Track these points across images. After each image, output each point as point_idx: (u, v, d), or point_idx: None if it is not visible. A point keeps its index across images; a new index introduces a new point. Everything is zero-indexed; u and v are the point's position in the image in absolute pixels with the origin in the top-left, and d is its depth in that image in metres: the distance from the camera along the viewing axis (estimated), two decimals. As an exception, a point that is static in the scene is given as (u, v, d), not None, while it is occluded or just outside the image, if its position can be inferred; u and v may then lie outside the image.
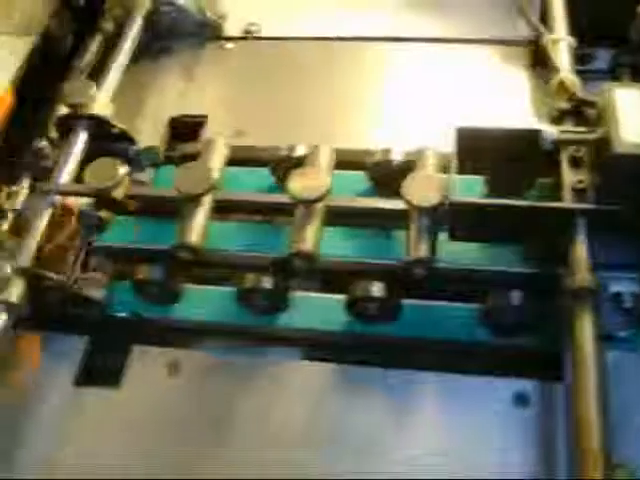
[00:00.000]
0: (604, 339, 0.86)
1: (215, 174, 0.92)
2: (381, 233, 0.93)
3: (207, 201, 0.91)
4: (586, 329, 0.77)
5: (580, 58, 1.07)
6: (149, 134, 1.09)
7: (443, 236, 0.88)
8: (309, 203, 0.87)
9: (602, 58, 1.08)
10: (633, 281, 0.87)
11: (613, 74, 1.07)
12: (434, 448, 0.84)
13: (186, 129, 1.10)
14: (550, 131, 0.84)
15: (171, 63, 1.18)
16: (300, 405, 0.88)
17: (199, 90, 1.15)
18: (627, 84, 0.84)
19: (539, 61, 1.07)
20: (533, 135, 0.85)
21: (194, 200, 0.90)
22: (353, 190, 0.97)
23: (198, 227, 0.90)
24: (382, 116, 1.08)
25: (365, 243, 0.92)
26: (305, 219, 0.88)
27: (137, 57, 1.15)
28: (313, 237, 0.87)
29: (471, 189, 0.89)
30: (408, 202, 0.86)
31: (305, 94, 1.12)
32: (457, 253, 0.89)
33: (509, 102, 1.05)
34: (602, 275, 0.85)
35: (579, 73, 1.05)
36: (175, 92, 1.15)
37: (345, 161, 0.98)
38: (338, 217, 0.92)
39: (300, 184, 0.88)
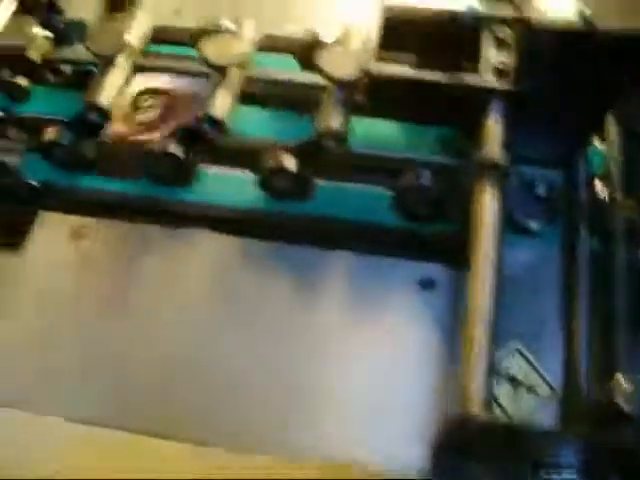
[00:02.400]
0: (517, 231, 0.86)
1: (129, 36, 0.89)
2: (297, 115, 0.90)
3: (122, 64, 0.89)
4: (487, 206, 0.75)
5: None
6: (80, 6, 1.05)
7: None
8: (223, 68, 0.85)
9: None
10: (549, 172, 0.86)
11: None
12: (338, 326, 0.82)
13: (121, 5, 1.06)
14: (473, 8, 0.82)
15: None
16: (205, 275, 0.86)
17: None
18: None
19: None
20: (456, 13, 0.83)
21: (108, 63, 0.88)
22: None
23: (110, 89, 0.87)
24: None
25: (280, 123, 0.90)
26: (218, 86, 0.85)
27: None
28: (225, 104, 0.85)
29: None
30: (324, 73, 0.83)
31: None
32: (369, 135, 0.88)
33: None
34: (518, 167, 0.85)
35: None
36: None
37: (271, 45, 0.95)
38: (255, 94, 0.90)
39: (215, 49, 0.86)
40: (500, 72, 0.81)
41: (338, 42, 0.88)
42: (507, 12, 0.82)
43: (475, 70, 0.84)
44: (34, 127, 0.95)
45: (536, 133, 0.84)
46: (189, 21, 1.02)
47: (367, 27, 0.89)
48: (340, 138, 0.82)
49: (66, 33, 1.01)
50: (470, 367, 0.67)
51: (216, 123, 0.83)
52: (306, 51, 0.91)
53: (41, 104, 0.97)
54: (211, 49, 0.85)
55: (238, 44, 0.86)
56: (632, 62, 0.75)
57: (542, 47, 0.76)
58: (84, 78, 0.95)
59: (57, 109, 0.96)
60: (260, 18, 0.97)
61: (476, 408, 0.65)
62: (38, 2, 1.01)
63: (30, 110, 0.97)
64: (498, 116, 0.79)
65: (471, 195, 0.76)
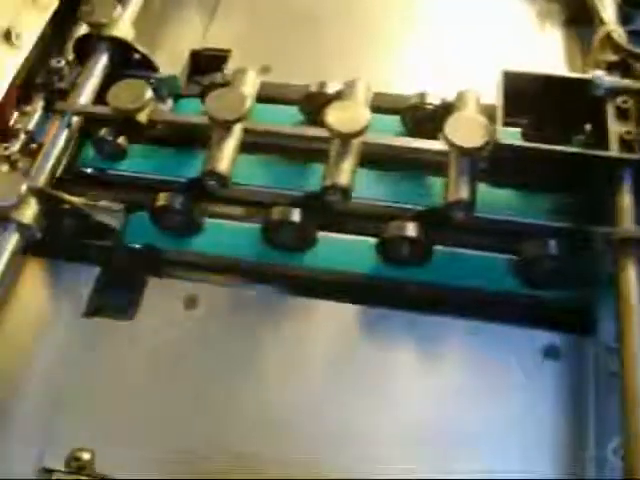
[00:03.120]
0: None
1: (249, 102, 0.88)
2: (414, 178, 0.90)
3: (238, 130, 0.88)
4: (631, 281, 0.75)
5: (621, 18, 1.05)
6: (168, 65, 1.03)
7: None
8: (348, 137, 0.84)
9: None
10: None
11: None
12: (461, 396, 0.82)
13: (208, 63, 1.05)
14: (603, 78, 0.82)
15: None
16: (322, 344, 0.85)
17: (223, 24, 1.10)
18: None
19: (578, 18, 1.05)
20: (583, 82, 0.83)
21: (226, 127, 0.87)
22: (385, 133, 0.93)
23: (228, 156, 0.86)
24: (416, 59, 1.05)
25: (399, 187, 0.89)
26: (341, 154, 0.85)
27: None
28: (349, 172, 0.84)
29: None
30: (451, 143, 0.83)
31: (336, 32, 1.08)
32: (492, 202, 0.88)
33: (545, 54, 1.03)
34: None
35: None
36: (198, 25, 1.10)
37: (377, 104, 0.94)
38: (373, 158, 0.89)
39: (338, 117, 0.85)
40: (625, 142, 0.81)
41: (454, 107, 0.89)
42: (633, 83, 0.83)
43: (593, 137, 0.86)
44: (137, 187, 0.94)
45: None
46: (279, 77, 1.02)
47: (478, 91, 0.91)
48: (468, 207, 0.82)
49: (159, 88, 1.00)
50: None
51: (342, 191, 0.83)
52: (414, 115, 0.92)
53: (136, 162, 0.96)
54: (333, 117, 0.84)
55: (358, 111, 0.86)
56: None
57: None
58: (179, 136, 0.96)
59: (151, 167, 0.95)
60: (346, 74, 0.98)
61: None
62: (131, 59, 1.00)
63: (124, 168, 0.96)
64: (629, 187, 0.79)
65: (609, 266, 0.77)
